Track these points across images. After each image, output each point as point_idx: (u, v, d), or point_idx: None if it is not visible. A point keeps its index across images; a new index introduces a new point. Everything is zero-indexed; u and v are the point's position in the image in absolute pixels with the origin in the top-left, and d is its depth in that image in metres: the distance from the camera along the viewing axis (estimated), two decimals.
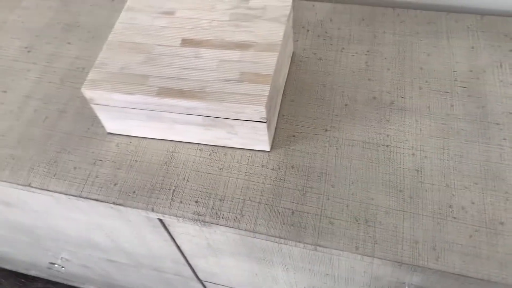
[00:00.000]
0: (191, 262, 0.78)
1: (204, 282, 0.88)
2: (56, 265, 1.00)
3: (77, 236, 0.83)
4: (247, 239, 0.62)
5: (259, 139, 0.59)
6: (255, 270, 0.73)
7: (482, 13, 0.75)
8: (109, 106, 0.59)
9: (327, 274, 0.65)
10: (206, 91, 0.55)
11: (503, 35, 0.68)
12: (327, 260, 0.61)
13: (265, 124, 0.55)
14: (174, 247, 0.73)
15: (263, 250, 0.64)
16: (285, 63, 0.65)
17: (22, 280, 1.36)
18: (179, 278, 0.90)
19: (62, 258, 0.99)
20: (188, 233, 0.66)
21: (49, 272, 1.19)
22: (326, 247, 0.52)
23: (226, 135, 0.59)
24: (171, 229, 0.67)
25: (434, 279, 0.56)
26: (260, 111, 0.53)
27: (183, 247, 0.72)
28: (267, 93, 0.54)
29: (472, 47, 0.67)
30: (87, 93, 0.58)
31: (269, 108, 0.55)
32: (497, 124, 0.59)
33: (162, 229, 0.67)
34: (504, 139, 0.58)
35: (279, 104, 0.64)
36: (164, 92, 0.55)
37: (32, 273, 1.28)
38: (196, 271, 0.83)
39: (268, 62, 0.57)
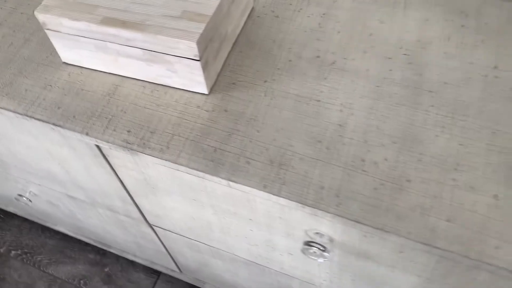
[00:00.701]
0: (136, 200, 0.81)
1: (153, 227, 0.92)
2: (24, 198, 1.05)
3: (36, 166, 0.87)
4: (175, 173, 0.65)
5: (196, 80, 0.61)
6: (190, 213, 0.76)
7: None
8: (59, 32, 0.62)
9: (250, 219, 0.68)
10: (146, 23, 0.58)
11: (460, 11, 0.68)
12: (246, 202, 0.63)
13: (199, 63, 0.58)
14: (118, 183, 0.76)
15: (191, 188, 0.67)
16: (237, 14, 0.67)
17: (1, 216, 1.42)
18: (131, 221, 0.93)
19: (30, 191, 1.04)
20: (126, 165, 0.69)
21: (21, 206, 1.25)
22: (237, 183, 0.55)
23: (166, 72, 0.62)
24: (110, 160, 0.70)
25: (340, 229, 0.58)
26: (192, 48, 0.56)
27: (125, 182, 0.75)
28: (201, 31, 0.56)
29: (427, 19, 0.68)
30: (40, 16, 0.61)
31: (204, 47, 0.57)
32: (430, 91, 0.60)
33: (103, 159, 0.70)
34: (432, 105, 0.59)
35: (227, 52, 0.67)
36: (107, 21, 0.58)
37: (11, 209, 1.34)
38: (143, 212, 0.86)
39: (211, 4, 0.59)
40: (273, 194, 0.53)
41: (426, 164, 0.54)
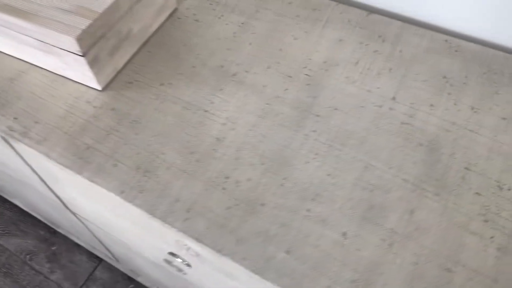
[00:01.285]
0: (50, 186, 0.82)
1: (75, 214, 0.93)
2: None
3: None
4: (38, 160, 0.65)
5: (87, 75, 0.61)
6: (92, 206, 0.76)
7: (372, 10, 0.72)
8: None
9: (132, 222, 0.67)
10: (39, 15, 0.58)
11: (378, 35, 0.66)
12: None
13: (83, 59, 0.57)
14: (27, 167, 0.77)
15: (56, 178, 0.67)
16: (147, 13, 0.66)
17: None
18: (58, 205, 0.95)
19: None
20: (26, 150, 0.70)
21: None
22: (98, 185, 0.54)
23: (62, 65, 0.62)
24: (13, 145, 0.71)
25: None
26: (72, 43, 0.55)
27: (33, 167, 0.76)
28: (83, 27, 0.55)
29: (340, 40, 0.65)
30: None
31: (90, 43, 0.57)
32: (317, 116, 0.58)
33: (4, 141, 0.71)
34: (315, 130, 0.56)
35: (132, 51, 0.66)
36: (4, 7, 0.59)
37: None
38: (61, 199, 0.87)
39: (106, 1, 0.58)
40: (127, 201, 0.53)
41: (287, 190, 0.52)
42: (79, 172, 0.55)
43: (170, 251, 0.63)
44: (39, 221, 1.35)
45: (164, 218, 0.51)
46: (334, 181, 0.52)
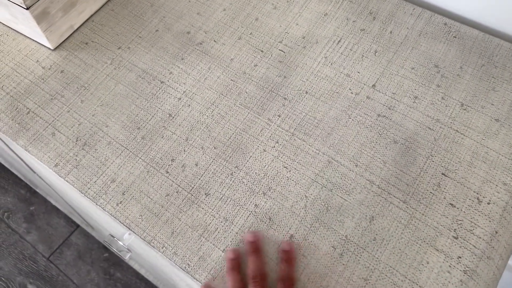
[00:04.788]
0: (6, 143, 0.77)
1: (39, 175, 0.88)
2: None
3: None
4: None
5: (36, 31, 0.55)
6: (41, 169, 0.71)
7: None
8: None
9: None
10: None
11: (369, 12, 0.58)
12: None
13: (28, 12, 0.51)
14: None
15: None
16: None
17: None
18: (23, 165, 0.90)
19: None
20: None
21: None
22: (32, 154, 0.49)
23: (12, 17, 0.56)
24: None
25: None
26: None
27: None
28: None
29: (325, 14, 0.58)
30: None
31: None
32: (285, 99, 0.51)
33: None
34: (279, 115, 0.50)
35: (93, 8, 0.59)
36: None
37: None
38: (20, 157, 0.82)
39: None
40: (60, 176, 0.47)
41: (237, 180, 0.46)
42: (14, 138, 0.50)
43: (111, 232, 0.58)
44: (21, 179, 1.33)
45: (96, 199, 0.46)
46: (290, 174, 0.46)
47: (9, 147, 0.79)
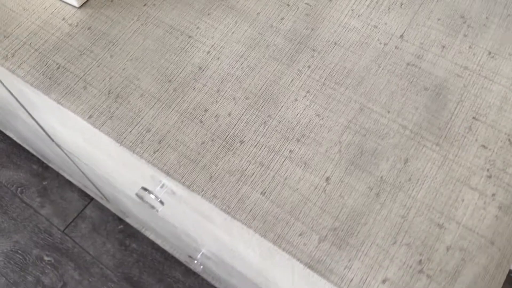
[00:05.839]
0: (32, 114, 0.78)
1: (60, 147, 0.89)
2: None
3: None
4: (13, 83, 0.60)
5: None
6: (72, 135, 0.72)
7: None
8: None
9: (108, 154, 0.63)
10: None
11: None
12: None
13: None
14: (7, 92, 0.73)
15: (33, 103, 0.62)
16: None
17: None
18: (44, 136, 0.91)
19: None
20: None
21: None
22: (65, 107, 0.49)
23: None
24: None
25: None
26: None
27: (12, 91, 0.71)
28: None
29: None
30: None
31: None
32: (313, 50, 0.52)
33: None
34: (309, 66, 0.50)
35: None
36: None
37: None
38: (44, 128, 0.83)
39: None
40: (94, 127, 0.48)
41: (269, 128, 0.47)
42: (46, 92, 0.50)
43: (143, 186, 0.59)
44: (33, 155, 1.33)
45: (133, 148, 0.47)
46: (322, 122, 0.47)
47: (29, 114, 0.79)
